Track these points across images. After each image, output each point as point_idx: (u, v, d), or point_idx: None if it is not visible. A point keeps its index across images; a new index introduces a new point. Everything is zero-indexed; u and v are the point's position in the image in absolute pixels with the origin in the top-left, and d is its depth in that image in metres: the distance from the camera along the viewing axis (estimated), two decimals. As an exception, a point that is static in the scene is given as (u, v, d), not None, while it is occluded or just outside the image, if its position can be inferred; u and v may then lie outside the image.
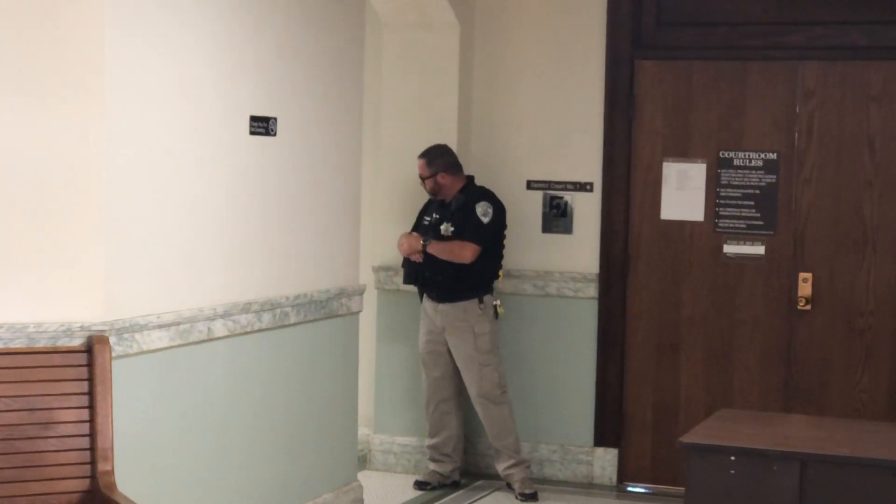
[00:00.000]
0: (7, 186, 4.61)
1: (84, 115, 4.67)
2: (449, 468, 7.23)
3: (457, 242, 6.94)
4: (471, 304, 7.00)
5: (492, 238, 7.01)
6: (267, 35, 5.66)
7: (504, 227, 7.09)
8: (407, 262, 7.09)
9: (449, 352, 7.10)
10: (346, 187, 6.36)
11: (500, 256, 7.12)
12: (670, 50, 7.28)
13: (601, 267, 7.35)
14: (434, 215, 7.07)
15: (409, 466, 7.52)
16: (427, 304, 7.12)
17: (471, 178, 7.16)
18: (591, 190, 7.36)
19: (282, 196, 5.82)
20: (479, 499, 7.06)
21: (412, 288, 7.30)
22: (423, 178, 7.06)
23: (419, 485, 7.22)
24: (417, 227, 7.15)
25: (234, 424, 5.55)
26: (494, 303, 7.07)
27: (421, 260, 6.98)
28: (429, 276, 7.00)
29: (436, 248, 6.94)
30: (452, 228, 6.98)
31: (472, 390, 7.08)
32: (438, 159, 7.03)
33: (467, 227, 6.95)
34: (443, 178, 7.02)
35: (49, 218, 4.66)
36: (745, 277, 7.16)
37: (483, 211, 6.98)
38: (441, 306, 7.04)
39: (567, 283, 7.38)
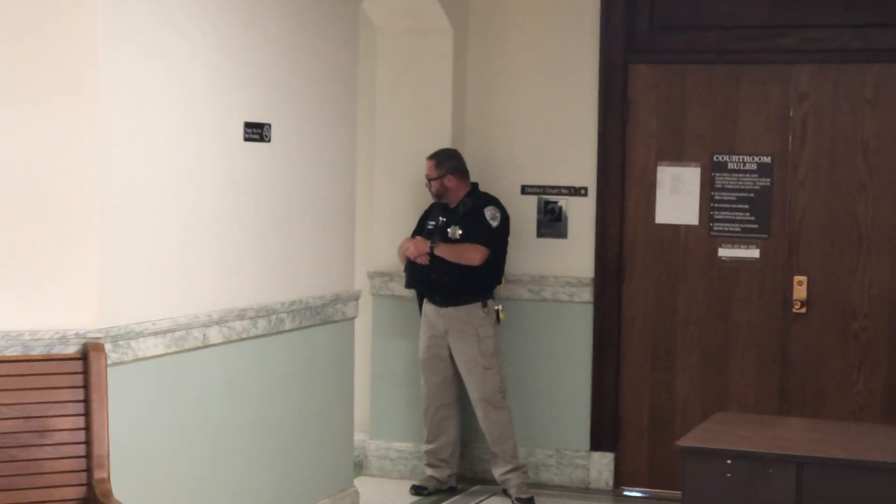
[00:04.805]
0: (1, 194, 4.61)
1: (78, 123, 4.67)
2: (446, 473, 7.23)
3: (466, 244, 6.95)
4: (474, 308, 7.01)
5: (499, 242, 7.03)
6: (261, 41, 5.66)
7: (508, 233, 7.11)
8: (410, 266, 7.09)
9: (450, 357, 7.10)
10: (341, 193, 6.36)
11: (504, 263, 7.13)
12: (664, 54, 7.28)
13: (596, 271, 7.36)
14: (440, 219, 7.08)
15: (405, 472, 7.52)
16: (428, 308, 7.12)
17: (475, 185, 7.17)
18: (585, 194, 7.37)
19: (277, 202, 5.81)
20: (475, 504, 7.07)
21: (408, 293, 7.31)
22: (429, 180, 7.07)
23: (416, 490, 7.22)
24: (421, 231, 7.15)
25: (230, 431, 5.55)
26: (496, 308, 7.08)
27: (427, 262, 6.99)
28: (435, 278, 7.00)
29: (444, 251, 6.95)
30: (461, 231, 6.99)
31: (473, 394, 7.08)
32: (448, 162, 7.05)
33: (476, 231, 6.97)
34: (450, 181, 7.04)
35: (43, 225, 4.65)
36: (740, 281, 7.17)
37: (492, 215, 7.00)
38: (444, 310, 7.04)
39: (562, 287, 7.38)
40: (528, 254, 7.43)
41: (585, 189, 7.37)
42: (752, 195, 7.13)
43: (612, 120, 7.30)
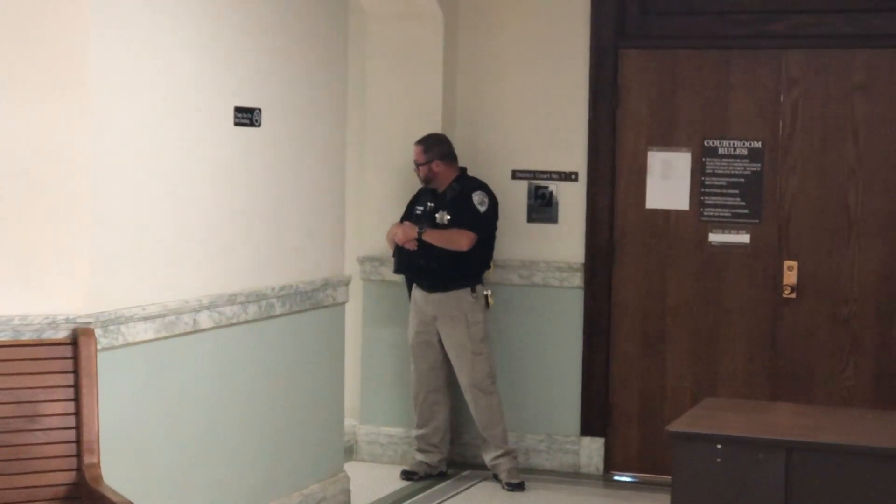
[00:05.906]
0: (-10, 179, 4.61)
1: (68, 109, 4.66)
2: (436, 458, 7.23)
3: (454, 230, 6.95)
4: (463, 293, 7.01)
5: (487, 227, 7.02)
6: (251, 26, 5.65)
7: (497, 218, 7.11)
8: (399, 252, 7.08)
9: (439, 342, 7.10)
10: (331, 178, 6.36)
11: (492, 248, 7.13)
12: (654, 39, 7.28)
13: (586, 256, 7.36)
14: (428, 204, 7.07)
15: (395, 457, 7.52)
16: (417, 294, 7.12)
17: (464, 170, 7.16)
18: (575, 179, 7.37)
19: (267, 187, 5.81)
20: (465, 489, 7.06)
21: (398, 278, 7.30)
22: (417, 165, 7.06)
23: (406, 475, 7.22)
24: (409, 216, 7.15)
25: (221, 416, 5.54)
26: (485, 293, 7.08)
27: (415, 248, 6.98)
28: (423, 264, 7.00)
29: (432, 236, 6.95)
30: (449, 217, 6.99)
31: (462, 380, 7.08)
32: (435, 147, 7.04)
33: (464, 216, 6.97)
34: (437, 167, 7.03)
35: (34, 211, 4.65)
36: (731, 266, 7.17)
37: (480, 200, 7.00)
38: (433, 296, 7.04)
39: (552, 272, 7.38)
40: (518, 239, 7.43)
41: (576, 174, 7.36)
42: (742, 180, 7.13)
43: (603, 105, 7.29)
